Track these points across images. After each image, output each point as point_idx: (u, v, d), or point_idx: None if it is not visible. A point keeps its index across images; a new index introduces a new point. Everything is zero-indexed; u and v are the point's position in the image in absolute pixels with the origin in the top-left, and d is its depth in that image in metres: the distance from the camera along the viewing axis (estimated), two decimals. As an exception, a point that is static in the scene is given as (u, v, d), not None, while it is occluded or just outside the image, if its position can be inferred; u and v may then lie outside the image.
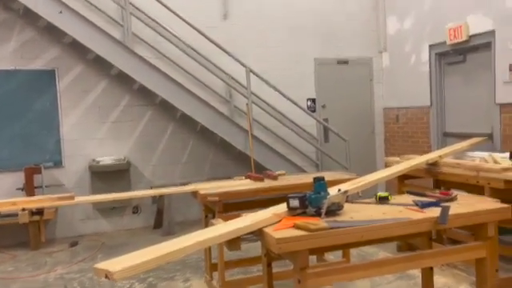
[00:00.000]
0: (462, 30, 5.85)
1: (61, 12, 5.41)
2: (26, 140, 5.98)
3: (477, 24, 5.70)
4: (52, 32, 5.85)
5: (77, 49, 5.96)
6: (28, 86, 5.97)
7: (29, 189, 5.73)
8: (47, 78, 6.04)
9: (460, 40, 5.91)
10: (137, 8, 6.06)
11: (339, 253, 4.23)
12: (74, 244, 5.72)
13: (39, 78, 6.02)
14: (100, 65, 6.08)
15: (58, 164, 6.11)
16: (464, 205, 2.66)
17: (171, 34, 6.17)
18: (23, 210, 3.38)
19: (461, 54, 6.14)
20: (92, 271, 1.92)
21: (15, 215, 5.27)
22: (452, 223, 2.48)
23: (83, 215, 6.27)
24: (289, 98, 6.51)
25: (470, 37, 5.81)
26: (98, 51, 5.69)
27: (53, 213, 5.61)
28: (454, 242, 4.41)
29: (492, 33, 5.49)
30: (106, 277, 1.86)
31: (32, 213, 5.38)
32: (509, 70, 5.29)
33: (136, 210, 6.52)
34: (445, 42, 6.19)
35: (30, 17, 5.75)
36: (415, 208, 2.61)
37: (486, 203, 2.70)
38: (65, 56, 6.08)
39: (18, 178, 5.82)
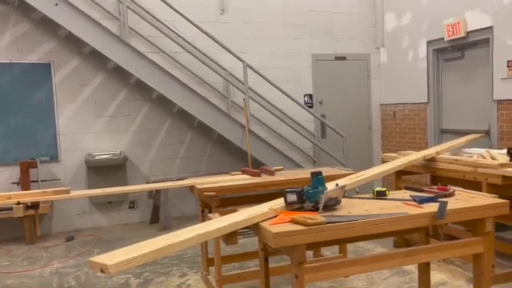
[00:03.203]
0: (460, 26, 5.84)
1: (56, 4, 5.36)
2: (22, 134, 5.94)
3: (475, 20, 5.70)
4: (47, 25, 5.80)
5: (73, 42, 5.92)
6: (23, 79, 5.92)
7: (24, 183, 5.69)
8: (43, 71, 5.99)
9: (458, 36, 5.90)
10: (134, 2, 6.01)
11: (336, 249, 4.23)
12: (70, 239, 5.70)
13: (35, 72, 5.97)
14: (96, 58, 6.03)
15: (54, 158, 6.08)
16: (461, 200, 2.65)
17: (168, 28, 6.14)
18: (18, 203, 3.35)
19: (459, 50, 6.13)
20: (88, 266, 1.90)
21: (10, 209, 5.22)
22: (450, 218, 2.47)
23: (79, 210, 6.24)
24: (286, 94, 6.49)
25: (468, 33, 5.80)
26: (94, 45, 5.64)
27: (48, 207, 5.58)
28: (451, 237, 4.42)
29: (490, 29, 5.49)
30: (102, 270, 1.84)
31: (27, 207, 5.33)
32: (506, 67, 5.29)
33: (132, 204, 6.50)
34: (443, 39, 6.18)
35: (24, 9, 5.70)
36: (413, 203, 2.60)
37: (484, 199, 2.69)
38: (60, 49, 6.03)
39: (14, 172, 5.79)
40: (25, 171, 5.71)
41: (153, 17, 6.02)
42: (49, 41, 5.99)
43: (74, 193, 3.66)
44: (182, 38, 6.19)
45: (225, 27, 6.69)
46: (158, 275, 4.32)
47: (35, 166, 5.77)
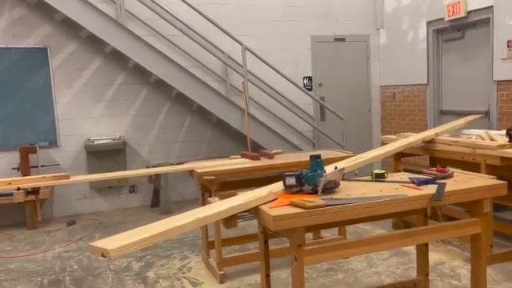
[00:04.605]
0: (460, 6, 5.78)
1: (52, -12, 5.29)
2: (20, 119, 5.92)
3: (475, 0, 5.63)
4: (43, 9, 5.73)
5: (69, 26, 5.86)
6: (20, 64, 5.87)
7: (24, 169, 5.70)
8: (39, 56, 5.94)
9: (458, 16, 5.84)
10: (130, -16, 5.92)
11: (335, 230, 4.27)
12: (71, 223, 5.74)
13: (31, 56, 5.92)
14: (93, 43, 5.98)
15: (53, 143, 6.08)
16: (460, 182, 2.67)
17: (166, 11, 6.07)
18: (18, 189, 3.36)
19: (459, 31, 6.08)
20: (89, 251, 1.92)
21: (10, 195, 5.24)
22: (448, 200, 2.49)
23: (80, 195, 6.27)
24: (285, 77, 6.46)
25: (469, 13, 5.74)
26: (90, 29, 5.58)
27: (48, 192, 5.60)
28: (449, 218, 4.45)
29: (490, 9, 5.42)
30: (103, 255, 1.86)
31: (27, 192, 5.35)
32: (507, 47, 5.24)
33: (133, 189, 6.53)
34: (443, 19, 6.12)
35: (20, -7, 5.63)
36: (411, 185, 2.61)
37: (482, 180, 2.71)
38: (57, 34, 5.97)
39: (13, 157, 5.80)
40: (24, 157, 5.72)
41: (149, -1, 5.95)
42: (45, 25, 5.92)
43: (74, 178, 3.67)
44: (179, 20, 6.12)
45: (223, 9, 6.61)
46: (159, 258, 4.37)
47: (35, 152, 5.77)
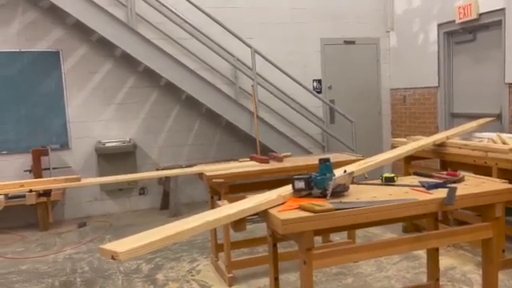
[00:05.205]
0: (471, 8, 5.73)
1: (64, -8, 5.36)
2: (33, 122, 6.00)
3: (487, 2, 5.57)
4: (55, 13, 5.81)
5: (81, 30, 5.93)
6: (33, 67, 5.96)
7: (36, 171, 5.77)
8: (52, 59, 6.02)
9: (469, 18, 5.79)
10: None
11: (345, 234, 4.25)
12: (82, 225, 5.79)
13: (44, 60, 6.00)
14: (104, 46, 6.04)
15: (64, 146, 6.14)
16: (471, 186, 2.64)
17: (175, 14, 6.10)
18: (30, 191, 3.41)
19: (470, 33, 6.03)
20: (100, 253, 1.93)
21: (23, 197, 5.31)
22: (459, 204, 2.46)
23: (91, 197, 6.32)
24: (294, 79, 6.45)
25: (480, 15, 5.68)
26: (101, 32, 5.64)
27: (60, 194, 5.66)
28: (460, 222, 4.41)
29: (502, 11, 5.37)
30: (113, 258, 1.87)
31: (39, 194, 5.41)
32: (519, 49, 5.19)
33: (143, 191, 6.57)
34: (454, 21, 6.07)
35: (33, -2, 5.71)
36: (421, 189, 2.59)
37: (494, 184, 2.67)
38: (69, 37, 6.05)
39: (26, 159, 5.87)
40: (37, 159, 5.79)
41: (160, 3, 5.99)
42: (57, 29, 6.00)
43: (85, 180, 3.71)
44: (189, 24, 6.16)
45: (232, 13, 6.64)
46: (168, 261, 4.38)
47: (46, 154, 5.84)
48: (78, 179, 3.58)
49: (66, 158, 6.16)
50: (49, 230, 5.67)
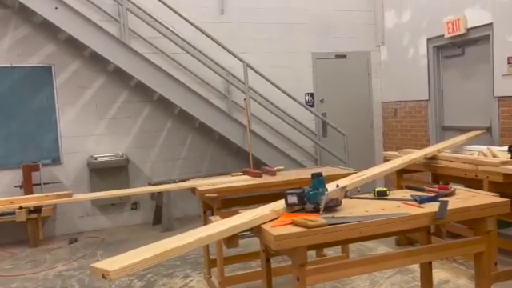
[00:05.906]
0: (460, 23, 5.83)
1: (56, 8, 5.38)
2: (24, 137, 5.96)
3: (475, 17, 5.68)
4: (48, 28, 5.81)
5: (73, 45, 5.93)
6: (24, 82, 5.94)
7: (27, 186, 5.71)
8: (44, 74, 6.01)
9: (458, 33, 5.89)
10: (133, 3, 6.01)
11: (339, 248, 4.23)
12: (73, 241, 5.72)
13: (35, 75, 5.98)
14: (97, 61, 6.05)
15: (56, 161, 6.10)
16: (462, 199, 2.65)
17: (168, 29, 6.14)
18: (21, 208, 3.37)
19: (459, 47, 6.12)
20: (90, 272, 1.91)
21: (13, 213, 5.26)
22: (450, 218, 2.47)
23: (82, 212, 6.26)
24: (287, 93, 6.49)
25: (468, 30, 5.79)
26: (94, 47, 5.65)
27: (51, 210, 5.60)
28: (454, 235, 4.42)
29: (490, 26, 5.47)
30: (103, 276, 1.85)
31: (30, 211, 5.37)
32: (507, 63, 5.27)
33: (135, 206, 6.52)
34: (443, 36, 6.17)
35: (25, 13, 5.71)
36: (413, 203, 2.60)
37: (485, 198, 2.69)
38: (61, 52, 6.05)
39: (16, 175, 5.81)
40: (27, 174, 5.73)
41: (153, 18, 6.02)
42: (49, 44, 6.00)
43: (77, 196, 3.68)
44: (182, 39, 6.19)
45: (224, 27, 6.70)
46: (160, 277, 4.34)
47: (38, 169, 5.79)
48: (70, 195, 3.55)
49: (58, 173, 6.11)
50: (39, 246, 5.59)
